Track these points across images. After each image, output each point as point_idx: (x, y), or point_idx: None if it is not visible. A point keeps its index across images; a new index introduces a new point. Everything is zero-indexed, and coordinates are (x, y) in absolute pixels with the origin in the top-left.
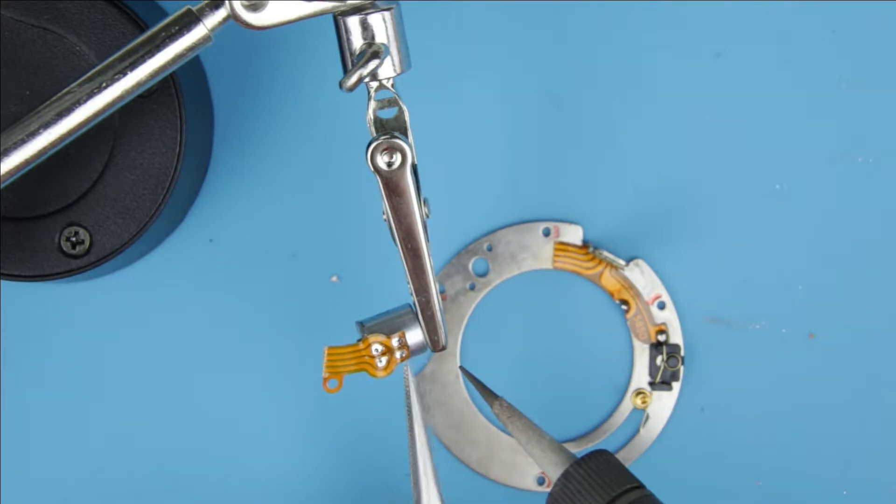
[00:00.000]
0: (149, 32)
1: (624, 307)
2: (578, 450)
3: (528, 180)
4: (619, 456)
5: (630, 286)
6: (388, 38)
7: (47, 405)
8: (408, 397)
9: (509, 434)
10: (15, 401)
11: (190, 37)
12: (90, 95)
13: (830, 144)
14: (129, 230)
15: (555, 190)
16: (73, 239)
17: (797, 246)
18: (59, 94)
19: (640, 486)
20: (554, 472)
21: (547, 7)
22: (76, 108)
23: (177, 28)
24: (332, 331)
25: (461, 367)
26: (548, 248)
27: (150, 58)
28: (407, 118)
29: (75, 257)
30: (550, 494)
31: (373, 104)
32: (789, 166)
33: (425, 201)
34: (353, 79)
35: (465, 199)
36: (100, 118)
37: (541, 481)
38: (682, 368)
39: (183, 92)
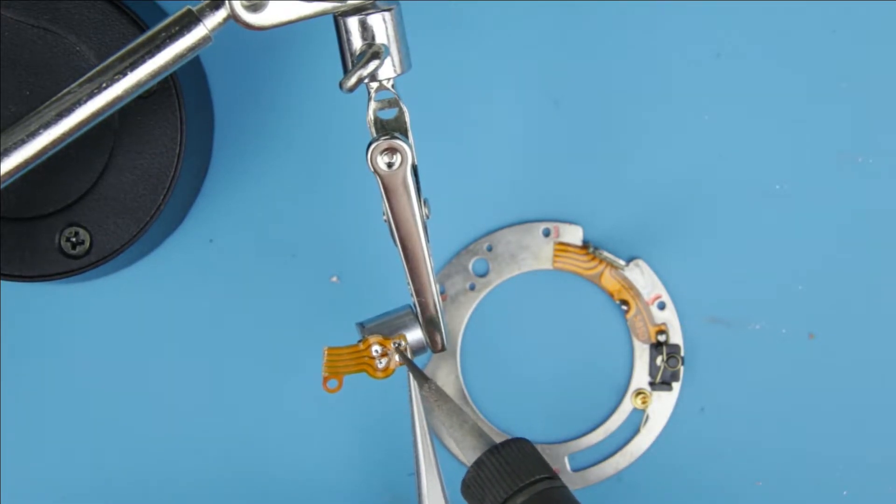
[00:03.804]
0: (149, 33)
1: (624, 307)
2: (578, 450)
3: (528, 180)
4: (620, 456)
5: (630, 286)
6: (388, 39)
7: (47, 405)
8: (411, 396)
9: (434, 421)
10: (15, 401)
11: (190, 37)
12: (90, 96)
13: (830, 144)
14: (129, 230)
15: (555, 190)
16: (74, 239)
17: (797, 246)
18: (59, 95)
19: (552, 477)
20: (471, 458)
21: (547, 7)
22: (76, 108)
23: (177, 28)
24: (332, 331)
25: (396, 347)
26: (548, 248)
27: (149, 58)
28: (407, 119)
29: (75, 257)
30: (463, 481)
31: (373, 105)
32: (789, 166)
33: (425, 202)
34: (353, 79)
35: (465, 199)
36: (100, 118)
37: None
38: (682, 368)
39: (183, 92)
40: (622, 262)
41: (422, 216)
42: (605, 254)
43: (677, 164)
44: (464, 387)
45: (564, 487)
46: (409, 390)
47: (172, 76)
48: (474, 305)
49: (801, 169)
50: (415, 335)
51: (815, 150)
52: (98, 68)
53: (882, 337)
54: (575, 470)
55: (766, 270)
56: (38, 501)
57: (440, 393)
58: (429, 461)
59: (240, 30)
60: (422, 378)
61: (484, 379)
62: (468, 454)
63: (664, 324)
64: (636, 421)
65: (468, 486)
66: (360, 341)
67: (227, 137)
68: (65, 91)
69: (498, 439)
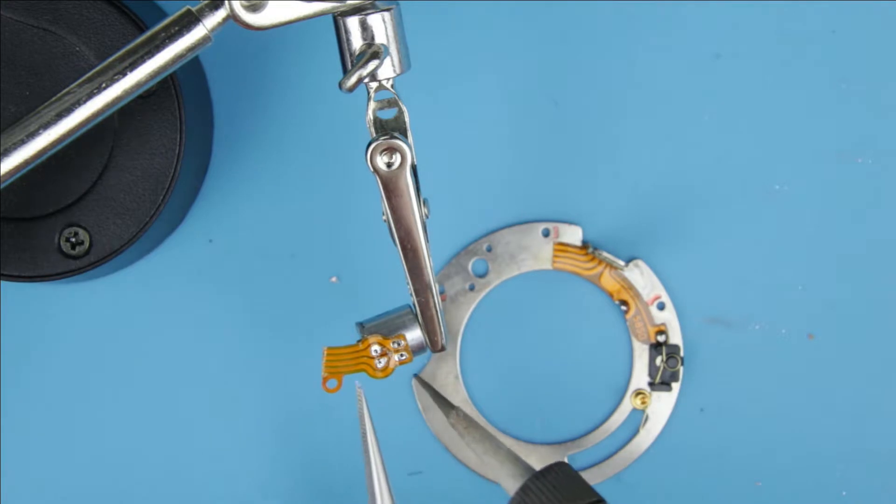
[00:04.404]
0: (148, 33)
1: (623, 308)
2: (578, 451)
3: (528, 180)
4: (619, 456)
5: (629, 287)
6: (387, 39)
7: (47, 405)
8: (361, 416)
9: (467, 441)
10: (15, 401)
11: (189, 37)
12: (90, 96)
13: (830, 144)
14: (129, 231)
15: (554, 190)
16: (73, 239)
17: (797, 246)
18: (59, 95)
19: (600, 500)
20: (511, 485)
21: (547, 7)
22: (76, 108)
23: (176, 28)
24: (331, 331)
25: (415, 377)
26: (547, 248)
27: (149, 58)
28: (407, 119)
29: (75, 258)
30: None
31: (372, 105)
32: (789, 166)
33: (425, 202)
34: (353, 79)
35: (464, 200)
36: (99, 119)
37: None
38: (681, 369)
39: (183, 92)
40: (621, 263)
41: (421, 216)
42: (605, 254)
43: (677, 164)
44: (463, 387)
45: None
46: (360, 408)
47: (172, 76)
48: (474, 306)
49: (801, 169)
50: (414, 335)
51: (815, 150)
52: (98, 68)
53: (882, 337)
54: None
55: (766, 270)
56: (38, 501)
57: (468, 420)
58: (380, 477)
59: (240, 30)
60: (447, 406)
61: (483, 379)
62: (507, 481)
63: (664, 324)
64: (636, 421)
65: None
66: (359, 341)
67: (227, 137)
68: (64, 91)
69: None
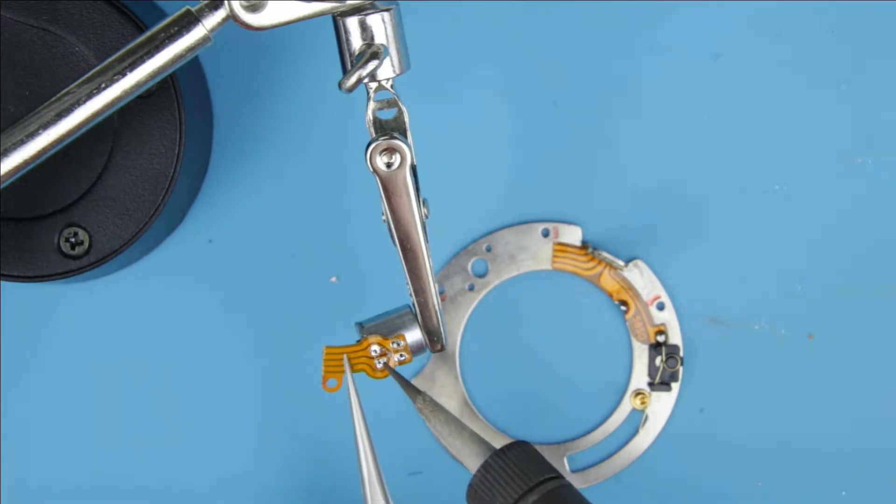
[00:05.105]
0: (148, 33)
1: (623, 308)
2: (577, 451)
3: (528, 181)
4: (619, 456)
5: (629, 287)
6: (387, 39)
7: (47, 405)
8: (351, 404)
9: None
10: (15, 401)
11: (189, 37)
12: (89, 96)
13: (830, 145)
14: (129, 231)
15: (554, 190)
16: (73, 240)
17: (797, 246)
18: (59, 95)
19: (558, 476)
20: (474, 464)
21: (546, 7)
22: (75, 108)
23: (176, 29)
24: (331, 331)
25: (385, 364)
26: (547, 248)
27: (149, 58)
28: (406, 119)
29: (75, 258)
30: (470, 485)
31: (372, 105)
32: (789, 166)
33: (424, 202)
34: (353, 79)
35: (464, 200)
36: (99, 119)
37: None
38: (681, 369)
39: (182, 92)
40: (621, 263)
41: (421, 216)
42: (604, 254)
43: (677, 164)
44: (463, 387)
45: (571, 486)
46: (349, 397)
47: (172, 76)
48: (473, 306)
49: (801, 169)
50: (414, 335)
51: (815, 150)
52: (97, 69)
53: (881, 337)
54: (574, 471)
55: (765, 270)
56: (38, 500)
57: (434, 404)
58: (370, 468)
59: (239, 30)
60: (414, 391)
61: (483, 379)
62: (469, 461)
63: (663, 324)
64: (635, 421)
65: (475, 490)
66: (358, 341)
67: (227, 137)
68: (64, 91)
69: (496, 439)
